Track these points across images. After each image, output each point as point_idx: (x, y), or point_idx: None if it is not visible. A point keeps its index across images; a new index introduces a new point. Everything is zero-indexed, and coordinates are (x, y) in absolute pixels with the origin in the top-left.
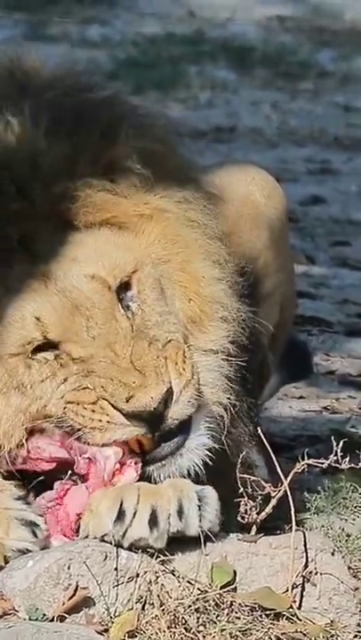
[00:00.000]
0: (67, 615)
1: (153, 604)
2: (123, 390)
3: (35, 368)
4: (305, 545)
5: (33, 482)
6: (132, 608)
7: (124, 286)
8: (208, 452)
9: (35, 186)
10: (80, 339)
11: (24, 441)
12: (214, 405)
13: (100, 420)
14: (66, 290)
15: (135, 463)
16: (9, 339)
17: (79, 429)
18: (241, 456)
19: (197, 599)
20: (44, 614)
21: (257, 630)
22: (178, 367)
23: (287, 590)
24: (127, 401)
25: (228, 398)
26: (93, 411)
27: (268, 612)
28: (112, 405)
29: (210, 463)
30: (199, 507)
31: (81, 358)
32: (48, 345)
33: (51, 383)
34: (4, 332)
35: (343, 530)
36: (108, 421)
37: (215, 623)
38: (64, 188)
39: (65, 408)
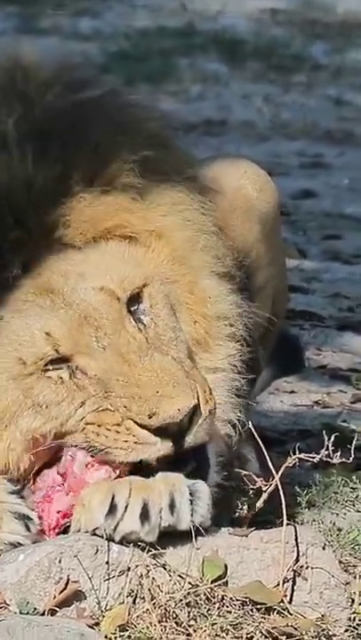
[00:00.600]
0: (58, 609)
1: (144, 597)
2: (147, 406)
3: (51, 388)
4: (296, 539)
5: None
6: (123, 602)
7: (135, 299)
8: (216, 488)
9: (29, 214)
10: (91, 350)
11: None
12: (223, 424)
13: (127, 441)
14: (73, 303)
15: (114, 469)
16: (21, 359)
17: (102, 450)
18: (233, 451)
19: (188, 593)
20: (35, 608)
21: (248, 624)
22: (205, 394)
23: (278, 584)
24: (152, 415)
25: (238, 416)
26: (118, 432)
27: (259, 607)
28: (138, 425)
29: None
30: (191, 501)
31: (97, 377)
32: (61, 360)
33: (68, 406)
34: (15, 353)
35: (334, 524)
36: (135, 442)
37: (206, 617)
38: (58, 211)
39: (84, 429)
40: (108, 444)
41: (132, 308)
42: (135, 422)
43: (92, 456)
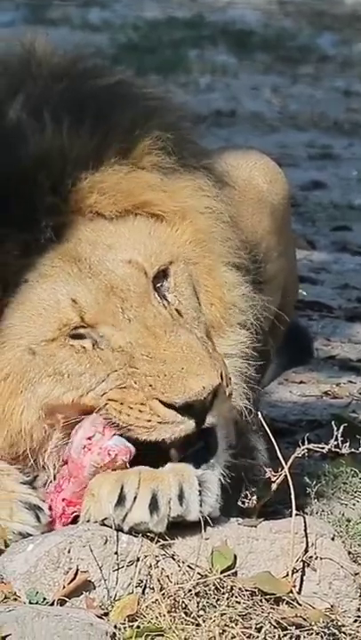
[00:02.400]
0: (67, 599)
1: (153, 588)
2: (173, 383)
3: (73, 357)
4: (305, 530)
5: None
6: (132, 592)
7: (161, 275)
8: (225, 470)
9: (65, 181)
10: (116, 321)
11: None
12: (232, 410)
13: (150, 421)
14: (100, 273)
15: (109, 453)
16: (45, 324)
17: (123, 427)
18: (242, 439)
19: (198, 583)
20: (45, 598)
21: (257, 615)
22: (225, 377)
23: (287, 575)
24: (178, 393)
25: (245, 404)
26: (141, 411)
27: (268, 597)
28: (163, 403)
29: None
30: (200, 491)
31: (120, 348)
32: (84, 329)
33: (90, 378)
34: (39, 318)
35: (343, 515)
36: (159, 422)
37: (215, 607)
38: (94, 178)
39: (106, 405)
40: (131, 422)
41: (158, 285)
42: (160, 401)
43: (88, 439)
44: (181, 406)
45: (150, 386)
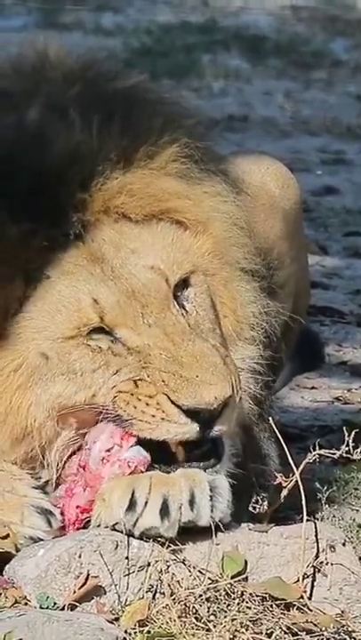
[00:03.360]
0: (77, 604)
1: (164, 593)
2: (186, 385)
3: (88, 356)
4: (316, 535)
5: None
6: (142, 597)
7: (182, 284)
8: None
9: (94, 178)
10: (136, 325)
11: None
12: (237, 425)
13: (154, 416)
14: (122, 277)
15: (129, 464)
16: (63, 321)
17: (127, 420)
18: (255, 448)
19: (208, 589)
20: (55, 603)
21: (267, 620)
22: (236, 385)
23: (298, 580)
24: (188, 397)
25: (250, 418)
26: (148, 404)
27: (278, 602)
28: (171, 401)
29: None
30: (211, 497)
31: (137, 348)
32: (103, 330)
33: (103, 373)
34: (57, 315)
35: (354, 520)
36: (163, 418)
37: (226, 613)
38: (122, 181)
39: (115, 397)
40: (136, 414)
41: (177, 293)
42: (169, 398)
43: (107, 451)
44: (188, 409)
45: (163, 381)
